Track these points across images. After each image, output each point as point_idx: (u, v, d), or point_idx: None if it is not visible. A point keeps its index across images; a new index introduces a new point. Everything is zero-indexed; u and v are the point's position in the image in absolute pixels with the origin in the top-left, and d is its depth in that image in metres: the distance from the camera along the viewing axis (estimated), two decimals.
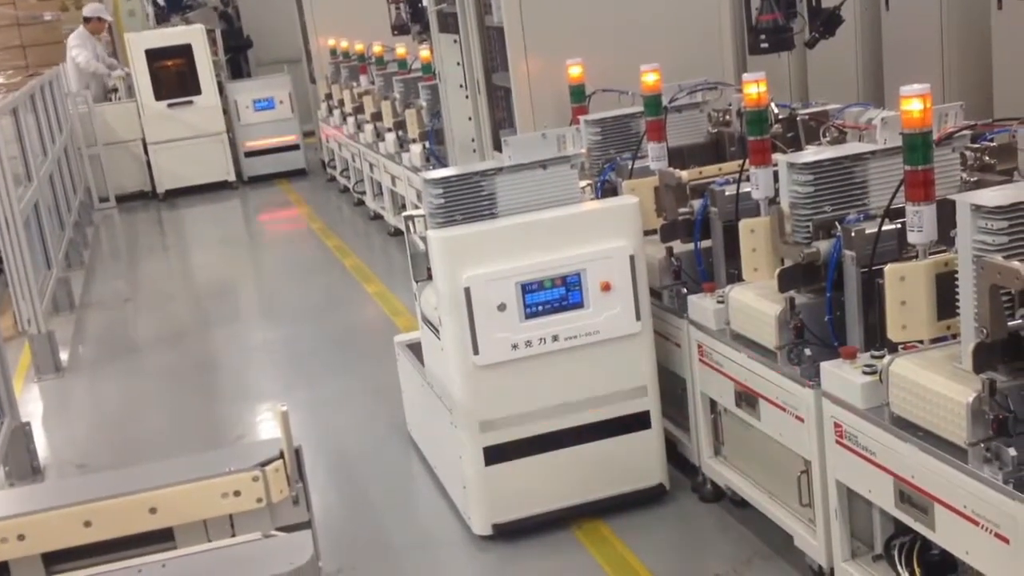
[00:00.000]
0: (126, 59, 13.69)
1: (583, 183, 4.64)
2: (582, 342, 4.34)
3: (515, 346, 4.28)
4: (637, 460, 4.51)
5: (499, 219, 4.36)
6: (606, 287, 4.30)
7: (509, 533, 4.44)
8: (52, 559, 2.49)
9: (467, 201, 4.36)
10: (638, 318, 4.37)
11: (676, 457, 4.75)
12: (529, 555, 4.37)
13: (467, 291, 4.21)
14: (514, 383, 4.33)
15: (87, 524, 2.45)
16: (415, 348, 5.22)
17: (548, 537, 4.43)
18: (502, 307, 4.24)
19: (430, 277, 4.42)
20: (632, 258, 4.33)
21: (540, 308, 4.28)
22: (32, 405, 6.80)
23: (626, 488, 4.51)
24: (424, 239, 4.42)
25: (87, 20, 14.00)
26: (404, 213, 5.10)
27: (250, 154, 13.80)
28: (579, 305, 4.32)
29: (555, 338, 4.31)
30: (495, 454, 4.38)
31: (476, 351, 4.27)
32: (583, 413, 4.41)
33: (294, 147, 13.92)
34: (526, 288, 4.26)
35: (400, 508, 4.97)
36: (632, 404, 4.46)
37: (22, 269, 6.99)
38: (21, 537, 2.42)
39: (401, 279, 8.03)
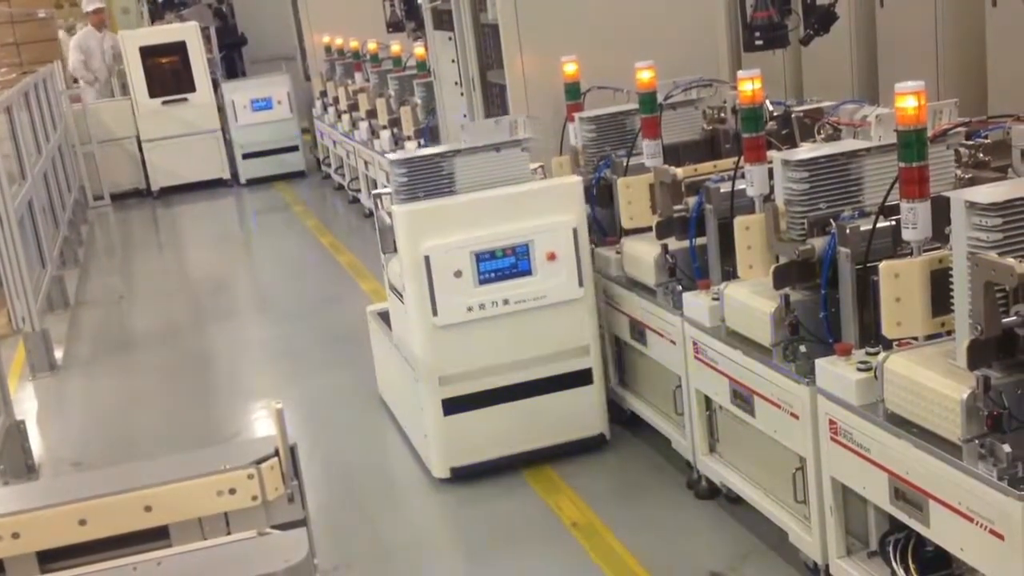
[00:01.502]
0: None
1: (533, 165, 5.03)
2: (530, 306, 4.80)
3: (470, 308, 4.74)
4: (580, 412, 4.97)
5: (457, 195, 4.84)
6: (551, 257, 4.76)
7: (465, 476, 4.90)
8: (47, 557, 2.47)
9: (428, 179, 4.85)
10: (580, 284, 4.82)
11: (671, 454, 4.76)
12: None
13: (427, 259, 4.66)
14: (469, 342, 4.78)
15: (82, 522, 2.44)
16: (385, 316, 5.67)
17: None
18: (458, 274, 4.69)
19: (396, 249, 4.81)
20: (575, 231, 4.79)
21: (492, 275, 4.75)
22: (27, 403, 6.78)
23: (570, 437, 4.97)
24: (390, 214, 4.79)
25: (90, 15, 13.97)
26: (373, 191, 5.52)
27: (247, 156, 13.41)
28: (527, 272, 4.78)
29: (506, 302, 4.77)
30: (452, 406, 4.82)
31: (435, 313, 4.72)
32: (532, 369, 4.84)
33: (293, 148, 13.53)
34: (480, 257, 4.72)
35: (392, 496, 4.99)
36: (575, 362, 4.91)
37: (16, 267, 6.98)
38: (16, 535, 2.41)
39: None
